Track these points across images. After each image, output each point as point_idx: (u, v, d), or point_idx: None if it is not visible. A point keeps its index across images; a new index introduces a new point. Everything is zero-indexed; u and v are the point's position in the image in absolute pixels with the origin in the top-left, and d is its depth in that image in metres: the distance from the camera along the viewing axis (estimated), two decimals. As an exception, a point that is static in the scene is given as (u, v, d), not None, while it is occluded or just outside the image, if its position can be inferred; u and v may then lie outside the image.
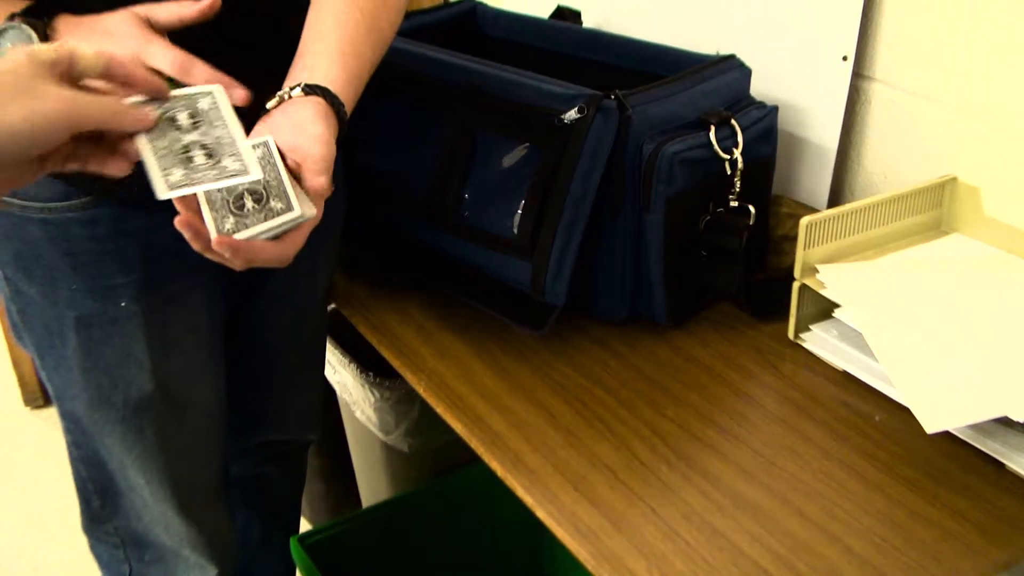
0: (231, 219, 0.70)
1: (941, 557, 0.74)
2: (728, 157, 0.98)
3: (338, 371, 1.42)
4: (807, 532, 0.76)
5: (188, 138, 0.67)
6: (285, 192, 0.71)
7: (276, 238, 0.72)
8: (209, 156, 0.67)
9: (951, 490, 0.80)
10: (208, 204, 0.70)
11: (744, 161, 0.99)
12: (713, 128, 0.97)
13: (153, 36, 0.74)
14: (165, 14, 0.76)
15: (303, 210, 0.71)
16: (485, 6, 1.32)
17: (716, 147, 0.97)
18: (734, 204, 1.00)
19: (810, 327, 0.98)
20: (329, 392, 1.44)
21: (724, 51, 1.12)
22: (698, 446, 0.86)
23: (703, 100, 1.01)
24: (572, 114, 0.93)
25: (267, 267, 0.74)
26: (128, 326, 0.92)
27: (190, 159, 0.67)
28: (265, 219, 0.70)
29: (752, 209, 1.00)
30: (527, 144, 0.96)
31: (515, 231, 0.96)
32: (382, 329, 1.05)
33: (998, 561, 0.74)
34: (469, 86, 1.02)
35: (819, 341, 0.97)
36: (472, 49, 1.11)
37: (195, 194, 0.69)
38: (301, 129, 0.76)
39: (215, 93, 0.70)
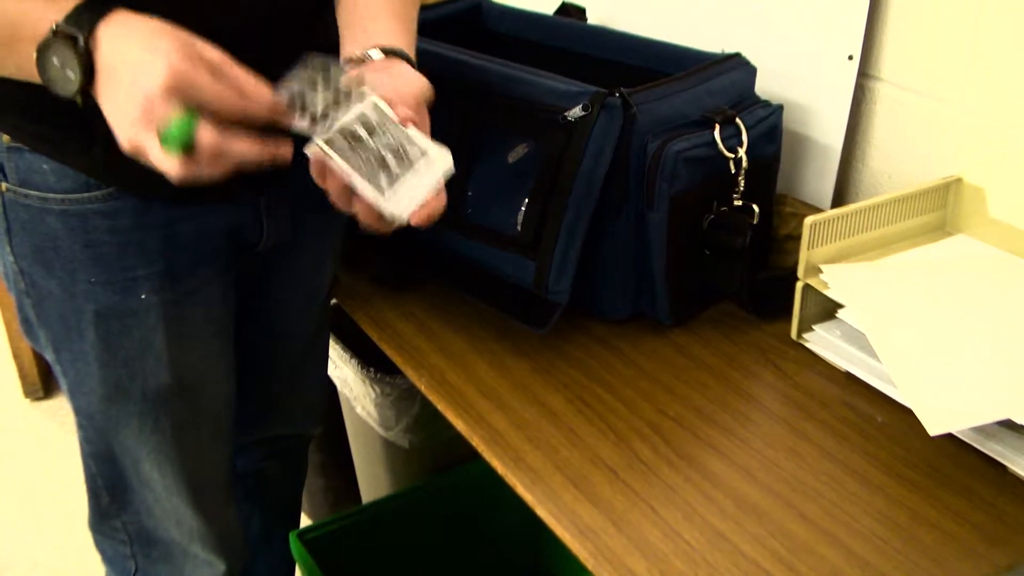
0: (385, 181, 0.75)
1: (942, 559, 0.74)
2: (732, 156, 0.98)
3: (339, 366, 1.42)
4: (808, 533, 0.76)
5: (375, 146, 0.75)
6: (415, 142, 0.77)
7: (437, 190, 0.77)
8: (396, 155, 0.75)
9: (953, 492, 0.80)
10: (359, 176, 0.74)
11: (748, 160, 0.98)
12: (717, 127, 0.97)
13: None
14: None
15: (445, 157, 0.77)
16: (490, 2, 1.31)
17: (720, 146, 0.97)
18: (738, 203, 1.00)
19: (813, 327, 0.97)
20: (330, 387, 1.44)
21: (729, 49, 1.11)
22: (700, 446, 0.86)
23: (708, 98, 1.00)
24: (576, 111, 0.92)
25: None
26: (147, 319, 0.92)
27: (386, 165, 0.75)
28: (420, 175, 0.76)
29: (756, 208, 1.00)
30: (529, 142, 0.96)
31: (518, 228, 0.96)
32: (383, 325, 1.05)
33: (999, 564, 0.74)
34: (473, 82, 1.01)
35: (822, 341, 0.97)
36: (476, 45, 1.10)
37: (347, 176, 0.75)
38: (400, 76, 0.80)
39: (375, 102, 0.76)
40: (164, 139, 0.67)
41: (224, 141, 0.69)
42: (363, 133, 0.75)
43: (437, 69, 1.05)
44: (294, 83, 0.76)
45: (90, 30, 0.69)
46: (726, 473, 0.82)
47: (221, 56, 0.71)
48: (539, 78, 0.98)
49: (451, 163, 0.77)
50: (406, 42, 0.86)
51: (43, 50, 0.69)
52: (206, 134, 0.68)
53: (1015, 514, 0.78)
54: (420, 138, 0.77)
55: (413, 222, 0.76)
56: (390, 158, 0.75)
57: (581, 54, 1.21)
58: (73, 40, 0.69)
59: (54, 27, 0.69)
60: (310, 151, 0.75)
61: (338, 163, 0.74)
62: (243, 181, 0.95)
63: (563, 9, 1.31)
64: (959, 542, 0.75)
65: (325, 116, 0.75)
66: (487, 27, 1.31)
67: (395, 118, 0.77)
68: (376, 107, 0.77)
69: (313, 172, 0.77)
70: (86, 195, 0.87)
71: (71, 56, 0.69)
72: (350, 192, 0.76)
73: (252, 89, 0.71)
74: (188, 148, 0.67)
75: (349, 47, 0.85)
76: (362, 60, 0.82)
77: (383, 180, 0.74)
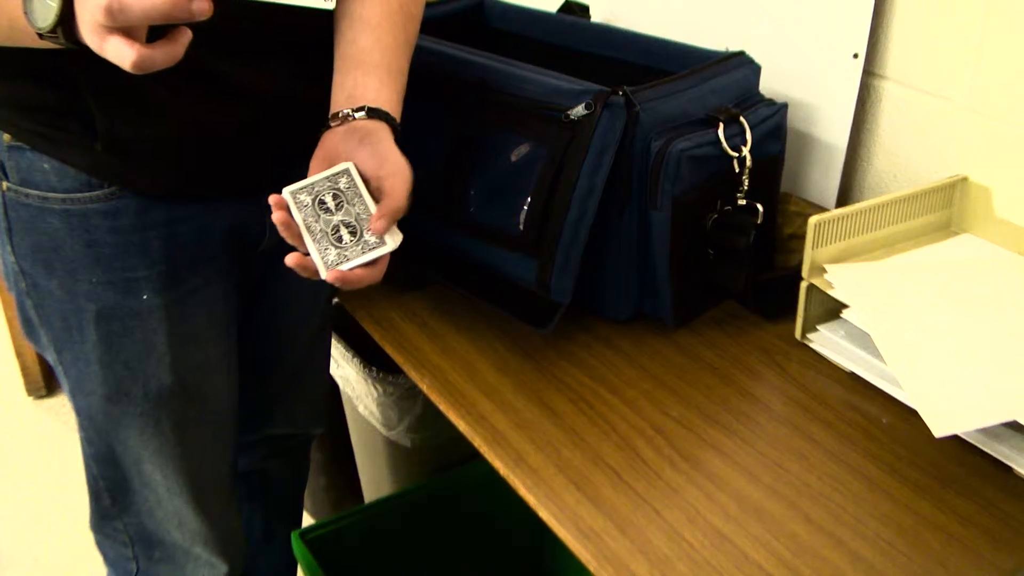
0: (333, 251, 0.80)
1: (947, 562, 0.73)
2: (736, 155, 0.97)
3: (341, 365, 1.41)
4: (812, 536, 0.75)
5: (336, 219, 0.81)
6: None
7: (370, 263, 0.81)
8: (353, 234, 0.81)
9: (958, 494, 0.79)
10: (312, 239, 0.81)
11: (752, 159, 0.98)
12: (722, 125, 0.96)
13: None
14: None
15: (393, 243, 0.80)
16: (493, 0, 1.31)
17: (724, 145, 0.96)
18: (742, 202, 0.99)
19: (817, 327, 0.97)
20: (332, 386, 1.44)
21: (733, 47, 1.11)
22: (703, 447, 0.85)
23: (712, 97, 1.00)
24: (579, 110, 0.92)
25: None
26: (149, 319, 0.92)
27: (340, 239, 0.81)
28: (363, 252, 0.80)
29: (760, 208, 0.99)
30: (532, 141, 0.95)
31: (521, 227, 0.95)
32: (385, 324, 1.05)
33: (1005, 567, 0.73)
34: (476, 81, 1.01)
35: (826, 342, 0.96)
36: (479, 43, 1.10)
37: (300, 228, 0.82)
38: (385, 159, 0.81)
39: (350, 170, 0.82)
40: None
41: None
42: (331, 203, 0.81)
43: (440, 67, 1.05)
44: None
45: None
46: (729, 474, 0.82)
47: None
48: (542, 76, 0.97)
49: (398, 245, 0.81)
50: (395, 99, 0.86)
51: None
52: None
53: (1021, 516, 0.77)
54: None
55: (328, 278, 0.79)
56: (345, 234, 0.81)
57: (584, 52, 1.20)
58: None
59: None
60: (278, 196, 0.81)
61: (298, 220, 0.81)
62: (245, 178, 0.94)
63: (566, 7, 1.30)
64: (964, 545, 0.75)
65: None
66: (490, 25, 1.31)
67: (365, 194, 0.82)
68: (350, 177, 0.82)
69: (277, 219, 0.80)
70: (87, 194, 0.86)
71: None
72: (297, 233, 0.81)
73: None
74: None
75: (338, 97, 0.85)
76: (346, 118, 0.83)
77: (332, 254, 0.80)
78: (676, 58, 1.10)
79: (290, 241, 0.81)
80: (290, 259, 0.80)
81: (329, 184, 0.82)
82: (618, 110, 0.92)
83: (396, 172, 0.81)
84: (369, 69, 0.85)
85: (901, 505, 0.78)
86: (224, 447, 1.06)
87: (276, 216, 0.80)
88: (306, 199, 0.82)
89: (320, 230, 0.81)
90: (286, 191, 0.82)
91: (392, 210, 0.79)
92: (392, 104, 0.85)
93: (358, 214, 0.81)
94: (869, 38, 1.06)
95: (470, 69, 1.02)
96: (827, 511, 0.78)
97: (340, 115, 0.83)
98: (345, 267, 0.80)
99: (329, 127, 0.84)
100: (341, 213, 0.81)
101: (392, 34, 0.87)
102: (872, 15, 1.05)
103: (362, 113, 0.83)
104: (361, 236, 0.81)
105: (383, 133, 0.83)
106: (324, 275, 0.80)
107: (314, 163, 0.84)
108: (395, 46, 0.87)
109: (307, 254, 0.81)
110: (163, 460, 0.99)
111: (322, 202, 0.81)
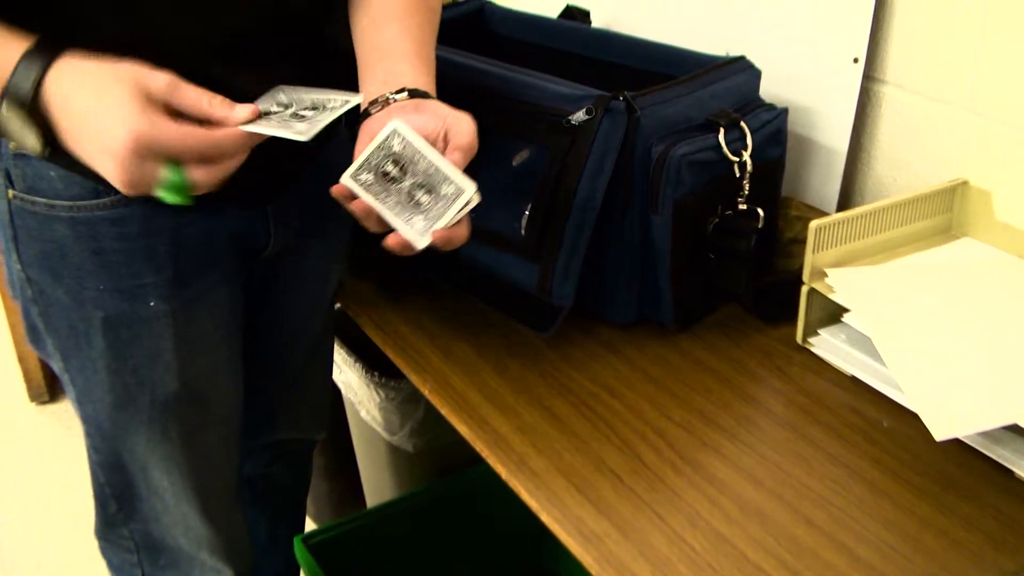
0: (419, 218, 0.77)
1: (949, 566, 0.73)
2: (737, 159, 0.97)
3: (343, 370, 1.42)
4: (813, 539, 0.76)
5: (406, 184, 0.77)
6: (447, 176, 0.77)
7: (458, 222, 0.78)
8: (429, 192, 0.77)
9: (960, 497, 0.79)
10: (392, 214, 0.77)
11: (753, 163, 0.98)
12: (722, 130, 0.96)
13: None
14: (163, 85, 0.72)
15: (471, 187, 0.77)
16: (493, 5, 1.31)
17: (725, 149, 0.96)
18: (743, 207, 0.99)
19: (818, 331, 0.97)
20: (334, 391, 1.44)
21: (734, 52, 1.11)
22: (704, 451, 0.85)
23: (712, 102, 1.00)
24: (580, 115, 0.92)
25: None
26: (156, 325, 0.92)
27: (418, 203, 0.77)
28: (447, 206, 0.76)
29: (761, 212, 0.99)
30: (531, 147, 0.96)
31: (523, 232, 0.96)
32: (387, 329, 1.05)
33: (1007, 570, 0.73)
34: (477, 86, 1.01)
35: (827, 345, 0.96)
36: (480, 49, 1.10)
37: (377, 209, 0.78)
38: (444, 114, 0.80)
39: (398, 130, 0.77)
40: (163, 198, 0.70)
41: (217, 170, 0.73)
42: (394, 171, 0.77)
43: (441, 73, 1.05)
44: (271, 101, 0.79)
45: (35, 92, 0.70)
46: (731, 478, 0.82)
47: (168, 82, 0.71)
48: (543, 82, 0.98)
49: (475, 192, 0.77)
50: (429, 83, 0.86)
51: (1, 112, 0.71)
52: (198, 173, 0.72)
53: (1022, 519, 0.77)
54: (449, 168, 0.78)
55: (433, 240, 0.78)
56: (421, 196, 0.77)
57: (585, 57, 1.21)
58: (22, 106, 0.70)
59: (3, 89, 0.70)
60: (340, 183, 0.78)
61: (370, 202, 0.78)
62: (251, 187, 0.95)
63: (567, 12, 1.31)
64: (966, 548, 0.75)
65: (311, 110, 0.77)
66: (491, 30, 1.31)
67: (424, 145, 0.78)
68: (401, 136, 0.78)
69: (356, 208, 0.78)
70: (94, 202, 0.87)
71: (27, 123, 0.70)
72: (376, 216, 0.79)
73: (216, 112, 0.73)
74: (189, 192, 0.71)
75: (372, 87, 0.84)
76: (387, 102, 0.82)
77: (418, 221, 0.77)
78: (677, 63, 1.10)
79: (372, 228, 0.79)
80: (390, 240, 0.78)
81: (383, 152, 0.78)
82: (619, 115, 0.92)
83: (460, 118, 0.80)
84: (399, 58, 0.85)
85: (902, 508, 0.78)
86: (229, 451, 1.06)
87: (353, 206, 0.78)
88: (368, 177, 0.78)
89: (395, 202, 0.77)
90: (345, 177, 0.78)
91: (460, 145, 0.78)
92: (429, 87, 0.85)
93: (425, 169, 0.77)
94: (869, 42, 1.07)
95: (471, 74, 1.03)
96: (828, 514, 0.78)
97: (380, 100, 0.82)
98: (439, 227, 0.77)
99: (369, 115, 0.82)
100: (408, 176, 0.77)
101: (418, 26, 0.87)
102: (872, 19, 1.05)
103: (403, 94, 0.82)
104: (438, 192, 0.77)
105: (433, 101, 0.82)
106: (421, 244, 0.76)
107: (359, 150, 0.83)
108: (421, 37, 0.87)
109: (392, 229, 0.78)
110: (170, 466, 0.99)
111: (385, 173, 0.78)
